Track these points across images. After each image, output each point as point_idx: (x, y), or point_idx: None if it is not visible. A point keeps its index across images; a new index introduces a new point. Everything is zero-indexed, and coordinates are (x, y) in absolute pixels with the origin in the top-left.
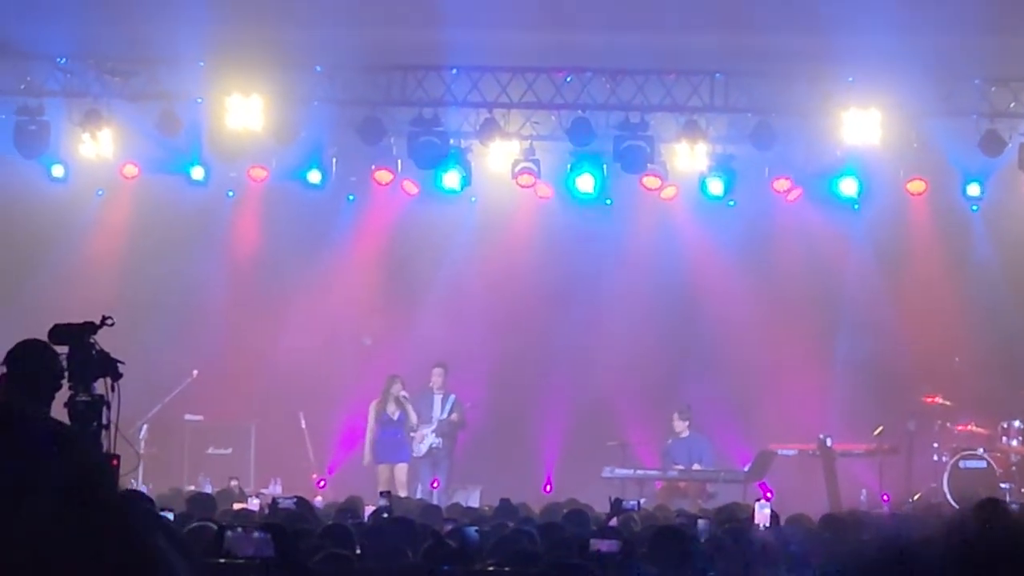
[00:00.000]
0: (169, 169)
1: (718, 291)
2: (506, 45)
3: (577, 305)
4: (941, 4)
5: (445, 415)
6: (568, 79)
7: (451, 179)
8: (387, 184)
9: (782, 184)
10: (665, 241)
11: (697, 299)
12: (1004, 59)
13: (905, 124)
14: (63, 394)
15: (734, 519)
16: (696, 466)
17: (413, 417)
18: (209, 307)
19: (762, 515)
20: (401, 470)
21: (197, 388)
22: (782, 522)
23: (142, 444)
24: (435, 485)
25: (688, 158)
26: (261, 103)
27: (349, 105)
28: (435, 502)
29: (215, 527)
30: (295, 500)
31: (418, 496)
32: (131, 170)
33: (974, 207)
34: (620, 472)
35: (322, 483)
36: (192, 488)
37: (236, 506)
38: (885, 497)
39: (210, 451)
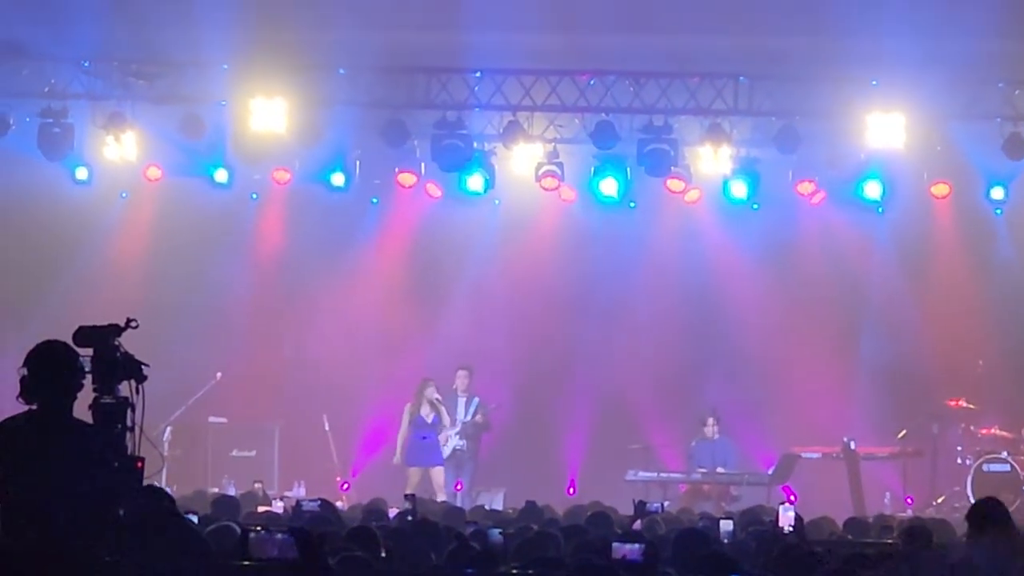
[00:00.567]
0: (193, 172)
1: (741, 294)
2: (530, 48)
3: (600, 308)
4: (964, 8)
5: (469, 417)
6: (592, 82)
7: (475, 182)
8: (411, 187)
9: (806, 187)
10: (689, 244)
11: (720, 302)
12: None
13: (929, 127)
14: (87, 396)
15: (758, 522)
16: (720, 469)
17: (447, 420)
18: (233, 309)
19: (786, 518)
20: (438, 473)
21: (221, 390)
22: (806, 525)
23: (166, 446)
24: (459, 488)
25: (712, 161)
26: (285, 106)
27: (373, 108)
28: (458, 504)
29: (238, 529)
30: (319, 502)
31: (441, 498)
32: (155, 173)
33: (998, 210)
34: (644, 475)
35: (346, 486)
36: (216, 490)
37: (260, 509)
38: (909, 500)
39: (234, 453)
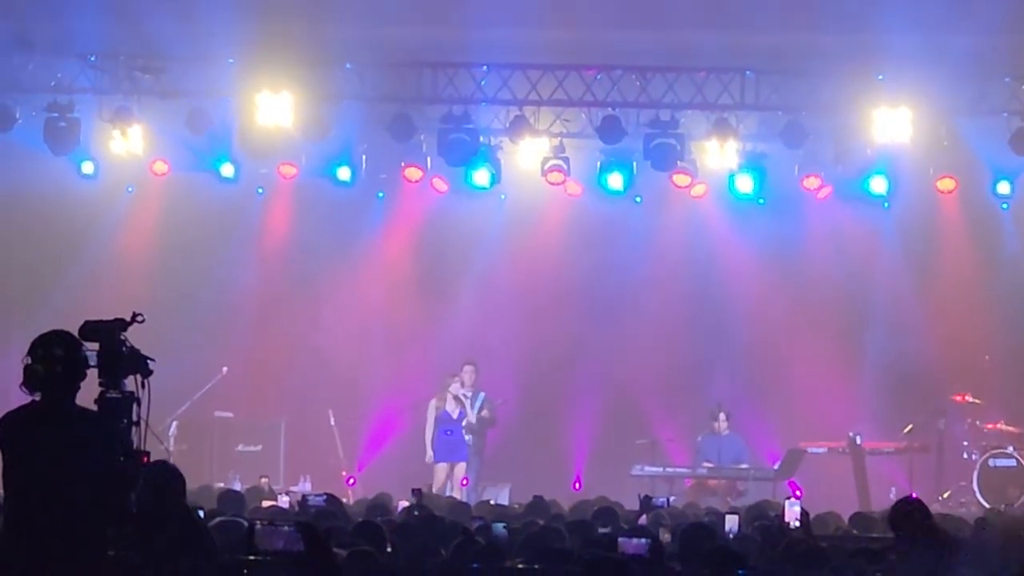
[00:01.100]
0: (199, 166)
1: (748, 289)
2: (536, 43)
3: (606, 302)
4: (970, 3)
5: (475, 412)
6: (598, 77)
7: (481, 176)
8: (417, 181)
9: (812, 182)
10: (695, 239)
11: (727, 297)
12: None
13: (935, 122)
14: (93, 390)
15: (764, 517)
16: (739, 464)
17: (472, 415)
18: (239, 304)
19: (791, 513)
20: (461, 469)
21: (227, 385)
22: (811, 520)
23: (172, 441)
24: (464, 483)
25: (718, 156)
26: (291, 100)
27: (379, 102)
28: (464, 499)
29: (245, 523)
30: (325, 497)
31: (448, 493)
32: (161, 167)
33: (1004, 205)
34: (650, 470)
35: (352, 480)
36: (222, 485)
37: (266, 504)
38: (913, 495)
39: (240, 448)
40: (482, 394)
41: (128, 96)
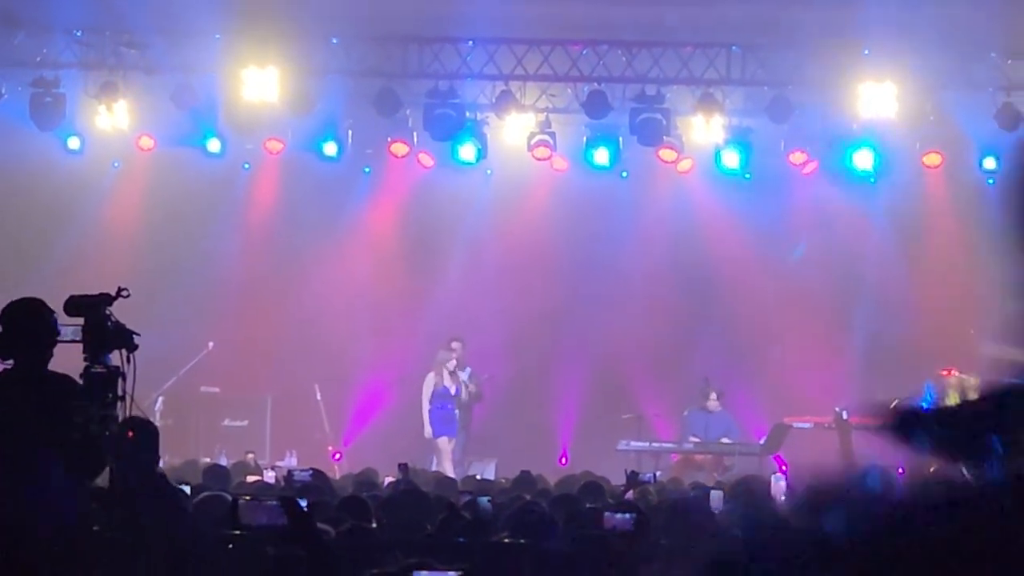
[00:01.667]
0: (185, 141)
1: (734, 264)
2: (522, 17)
3: (593, 277)
4: None
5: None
6: (584, 52)
7: (467, 151)
8: (403, 156)
9: (798, 157)
10: (681, 214)
11: (713, 272)
12: (1021, 32)
13: (921, 97)
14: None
15: (749, 492)
16: (726, 440)
17: (465, 392)
18: (225, 279)
19: (778, 488)
20: (444, 442)
21: (213, 360)
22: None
23: (157, 416)
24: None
25: (704, 131)
26: (277, 75)
27: (365, 77)
28: (451, 474)
29: (230, 498)
30: (311, 472)
31: (433, 468)
32: (147, 142)
33: (990, 180)
34: (636, 445)
35: (338, 455)
36: (207, 460)
37: (251, 479)
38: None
39: (226, 423)
40: (468, 369)
41: (114, 71)
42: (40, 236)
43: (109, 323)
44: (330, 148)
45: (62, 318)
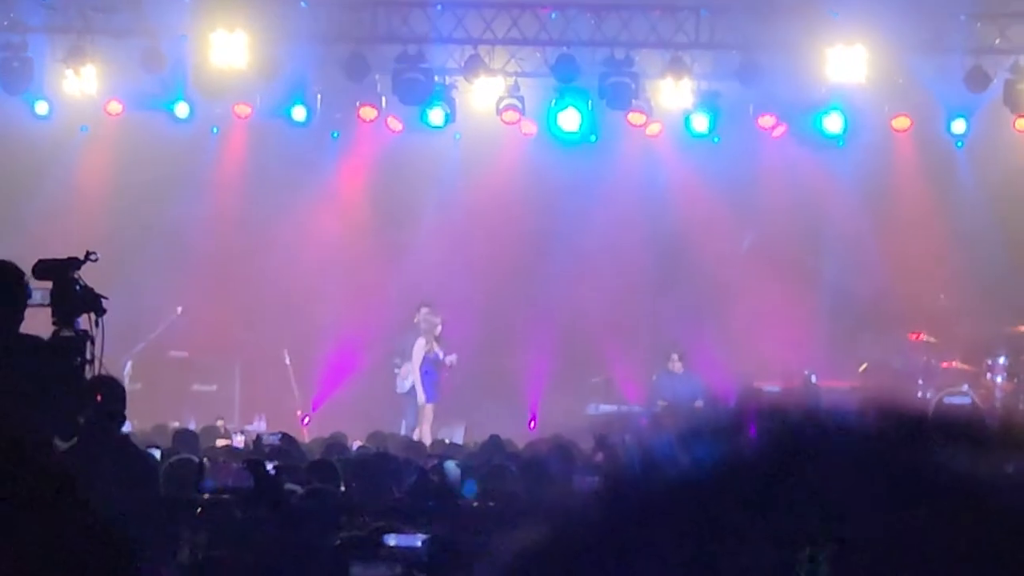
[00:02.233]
0: (153, 106)
1: (703, 227)
2: None
3: (562, 241)
4: None
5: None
6: (553, 15)
7: (435, 116)
8: (371, 121)
9: (767, 121)
10: (650, 178)
11: (682, 235)
12: None
13: (890, 60)
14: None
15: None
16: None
17: (441, 354)
18: (193, 244)
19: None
20: (430, 409)
21: (182, 324)
22: None
23: (126, 380)
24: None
25: (673, 95)
26: (246, 39)
27: (334, 42)
28: (428, 440)
29: (197, 461)
30: (280, 436)
31: (403, 432)
32: (115, 107)
33: (959, 143)
34: (605, 408)
35: (306, 420)
36: (176, 424)
37: (220, 443)
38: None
39: (195, 387)
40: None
41: (82, 35)
42: (8, 201)
43: (78, 287)
44: (299, 112)
45: (31, 282)
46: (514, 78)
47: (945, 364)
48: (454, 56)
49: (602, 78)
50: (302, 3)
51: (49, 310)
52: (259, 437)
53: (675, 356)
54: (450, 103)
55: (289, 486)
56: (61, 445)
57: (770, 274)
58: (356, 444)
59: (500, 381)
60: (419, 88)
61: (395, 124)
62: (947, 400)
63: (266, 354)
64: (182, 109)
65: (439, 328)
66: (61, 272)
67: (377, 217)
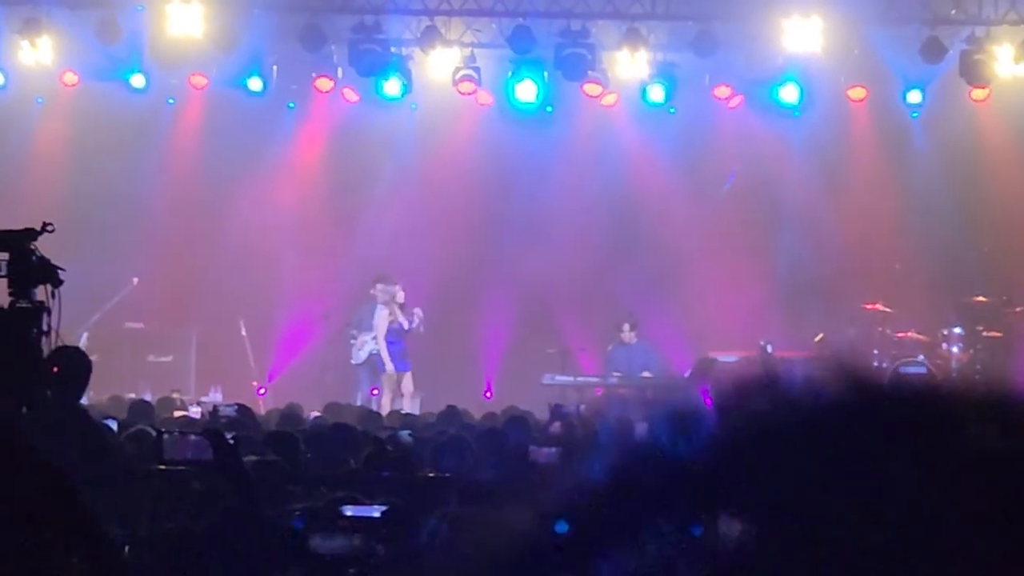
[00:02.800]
0: (110, 77)
1: (659, 198)
2: None
3: (518, 212)
4: None
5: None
6: None
7: (392, 87)
8: (327, 92)
9: (723, 91)
10: (606, 148)
11: (638, 206)
12: None
13: (846, 31)
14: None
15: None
16: (645, 374)
17: (405, 323)
18: (149, 214)
19: None
20: (408, 379)
21: (138, 296)
22: None
23: None
24: (375, 392)
25: (629, 66)
26: (201, 10)
27: (290, 12)
28: (375, 409)
29: (154, 433)
30: (236, 407)
31: (358, 403)
32: (71, 78)
33: (914, 114)
34: (560, 379)
35: (263, 391)
36: (133, 396)
37: (177, 414)
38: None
39: (151, 359)
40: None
41: (37, 6)
42: None
43: (34, 258)
44: (255, 83)
45: None
46: (470, 49)
47: (901, 334)
48: (410, 27)
49: (558, 49)
50: None
51: (5, 281)
52: (215, 408)
53: (626, 326)
54: (406, 74)
55: (247, 458)
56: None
57: (726, 244)
58: (312, 415)
59: (456, 352)
60: (375, 59)
61: (351, 95)
62: (903, 370)
63: (222, 325)
64: (138, 80)
65: (401, 295)
66: (17, 243)
67: (333, 188)
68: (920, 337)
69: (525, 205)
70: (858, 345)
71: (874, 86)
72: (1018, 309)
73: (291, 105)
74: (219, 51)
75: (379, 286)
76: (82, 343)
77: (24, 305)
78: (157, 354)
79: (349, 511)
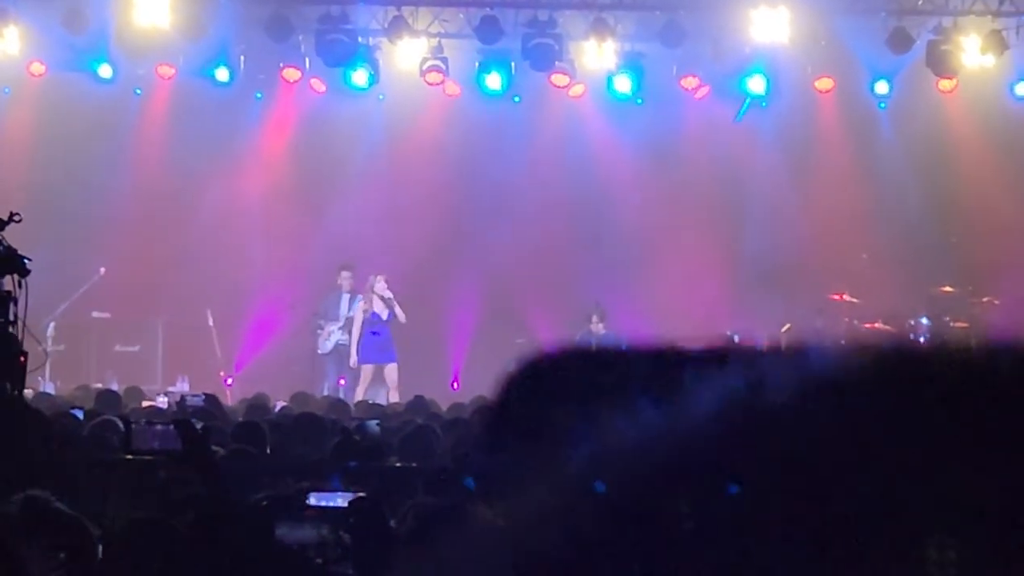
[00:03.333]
0: (77, 67)
1: (627, 189)
2: None
3: (485, 202)
4: None
5: (352, 313)
6: None
7: (359, 77)
8: (295, 82)
9: (690, 82)
10: (574, 139)
11: (606, 197)
12: None
13: (814, 21)
14: None
15: None
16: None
17: (400, 315)
18: (117, 204)
19: None
20: (391, 370)
21: (105, 285)
22: None
23: (49, 341)
24: (342, 382)
25: (597, 56)
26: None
27: (257, 2)
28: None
29: (120, 423)
30: (203, 397)
31: (325, 393)
32: (38, 68)
33: (881, 104)
34: None
35: (229, 381)
36: (100, 385)
37: (144, 404)
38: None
39: (118, 348)
40: (360, 297)
41: None
42: None
43: (1, 248)
44: (222, 73)
45: None
46: (437, 39)
47: (868, 325)
48: (377, 17)
49: (525, 39)
50: None
51: None
52: (182, 398)
53: (595, 317)
54: (373, 64)
55: (216, 448)
56: None
57: (693, 234)
58: (279, 404)
59: (424, 342)
60: (342, 49)
61: (319, 85)
62: None
63: (189, 315)
64: (105, 70)
65: (380, 286)
66: None
67: (300, 179)
68: (887, 328)
69: (492, 196)
70: (825, 335)
71: (841, 77)
72: (984, 299)
73: (258, 95)
74: (186, 41)
75: (344, 274)
76: (49, 333)
77: None
78: (124, 344)
79: (316, 500)
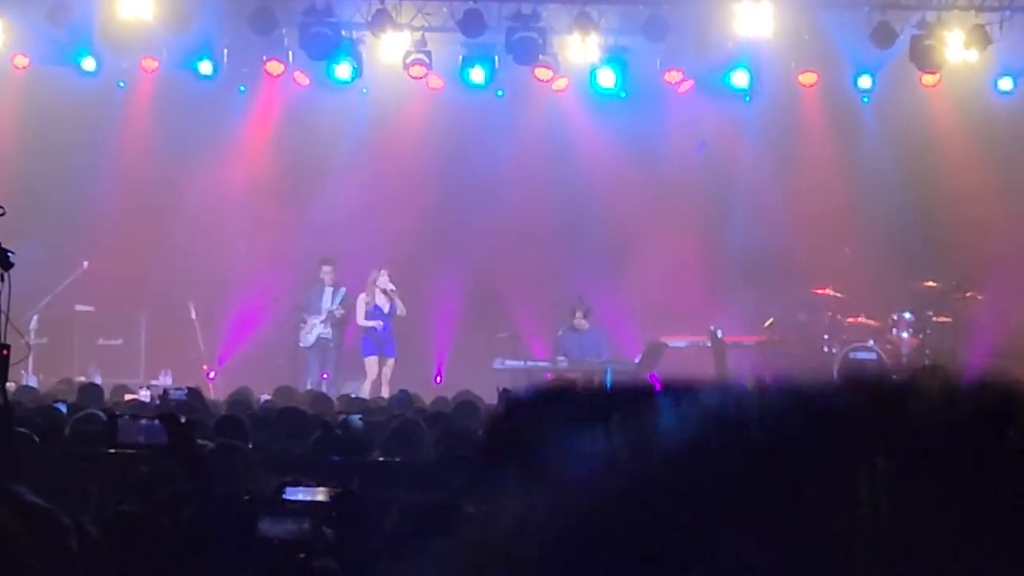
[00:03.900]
0: (60, 60)
1: (609, 182)
2: None
3: (468, 195)
4: None
5: (335, 306)
6: None
7: (342, 70)
8: (278, 75)
9: (674, 76)
10: (557, 133)
11: (588, 190)
12: None
13: (797, 16)
14: None
15: None
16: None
17: (401, 308)
18: (100, 197)
19: None
20: (389, 365)
21: (88, 279)
22: None
23: (32, 334)
24: (325, 376)
25: (580, 50)
26: None
27: None
28: (324, 392)
29: (104, 416)
30: (186, 391)
31: (308, 387)
32: (21, 61)
33: (865, 99)
34: (511, 363)
35: (212, 374)
36: (83, 379)
37: (127, 397)
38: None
39: (100, 342)
40: (343, 289)
41: None
42: None
43: None
44: (205, 67)
45: None
46: (421, 33)
47: (851, 319)
48: (361, 10)
49: (509, 33)
50: None
51: None
52: (166, 392)
53: (579, 313)
54: (357, 58)
55: (200, 441)
56: None
57: (676, 229)
58: (262, 398)
59: (407, 336)
60: (326, 42)
61: (302, 78)
62: (853, 355)
63: (172, 308)
64: (88, 63)
65: (384, 280)
66: None
67: (284, 172)
68: (870, 322)
69: (476, 190)
70: (808, 330)
71: (825, 71)
72: (968, 294)
73: (242, 88)
74: (170, 34)
75: (324, 268)
76: (32, 327)
77: None
78: (107, 337)
79: (298, 495)
